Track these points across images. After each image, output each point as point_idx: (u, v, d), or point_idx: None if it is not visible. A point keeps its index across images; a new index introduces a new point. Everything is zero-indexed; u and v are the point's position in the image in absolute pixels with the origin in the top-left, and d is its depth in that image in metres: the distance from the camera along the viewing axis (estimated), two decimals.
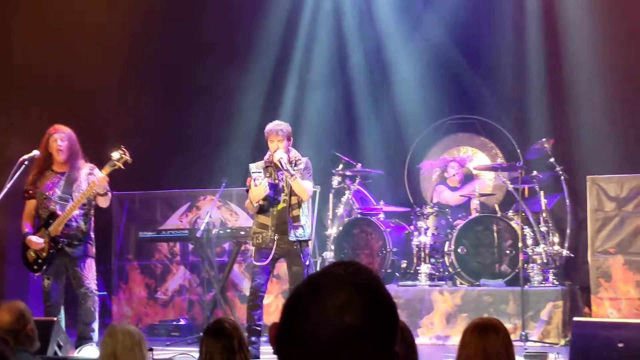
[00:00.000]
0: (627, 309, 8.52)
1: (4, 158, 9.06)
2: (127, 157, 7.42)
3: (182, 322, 9.46)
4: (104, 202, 7.73)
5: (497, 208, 9.67)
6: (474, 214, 9.19)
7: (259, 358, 7.10)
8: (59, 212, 7.58)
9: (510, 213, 9.23)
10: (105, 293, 9.37)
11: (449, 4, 10.48)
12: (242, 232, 8.81)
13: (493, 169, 9.71)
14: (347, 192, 9.65)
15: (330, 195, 9.73)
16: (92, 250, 7.77)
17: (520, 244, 8.53)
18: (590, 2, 9.84)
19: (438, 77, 10.56)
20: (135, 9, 10.72)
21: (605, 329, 6.48)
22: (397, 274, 9.35)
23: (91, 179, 7.63)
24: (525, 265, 8.67)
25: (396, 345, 1.69)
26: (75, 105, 10.44)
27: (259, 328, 7.24)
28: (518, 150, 9.71)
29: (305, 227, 7.43)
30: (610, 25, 9.67)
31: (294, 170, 7.25)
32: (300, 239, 7.35)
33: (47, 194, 7.67)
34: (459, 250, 8.92)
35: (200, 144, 10.92)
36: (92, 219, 7.83)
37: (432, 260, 9.14)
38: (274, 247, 7.29)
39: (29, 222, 7.75)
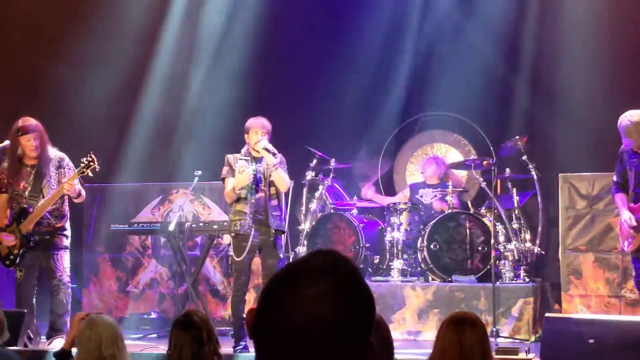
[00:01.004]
0: (596, 305, 8.59)
1: None
2: (95, 164, 7.52)
3: (153, 315, 9.42)
4: (77, 200, 7.80)
5: (469, 205, 9.71)
6: (447, 210, 9.21)
7: (249, 351, 7.13)
8: (30, 209, 7.56)
9: (482, 210, 9.27)
10: (75, 285, 9.29)
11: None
12: (215, 226, 8.78)
13: (466, 165, 9.74)
14: (320, 187, 9.64)
15: (304, 190, 9.71)
16: (67, 242, 7.78)
17: (492, 241, 8.57)
18: (568, 1, 9.87)
19: (413, 73, 10.56)
20: None
21: (576, 325, 6.53)
22: (369, 269, 9.34)
23: (60, 173, 7.65)
24: (497, 261, 8.70)
25: (371, 336, 1.69)
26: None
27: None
28: (491, 148, 9.73)
29: (282, 219, 7.65)
30: (586, 24, 9.70)
31: (275, 159, 7.46)
32: (278, 229, 7.56)
33: (18, 189, 7.65)
34: (431, 246, 8.94)
35: (173, 137, 10.86)
36: (67, 211, 7.81)
37: (405, 256, 9.16)
38: (251, 237, 7.40)
39: (1, 216, 7.69)
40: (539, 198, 9.29)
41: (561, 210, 8.93)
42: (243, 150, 7.62)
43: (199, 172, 8.92)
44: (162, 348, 6.91)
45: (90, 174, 7.58)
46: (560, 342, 6.42)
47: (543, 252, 9.21)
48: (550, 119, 9.94)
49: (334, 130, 10.61)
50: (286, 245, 9.03)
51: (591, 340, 6.31)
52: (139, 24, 10.89)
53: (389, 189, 10.63)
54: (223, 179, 7.63)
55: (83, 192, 7.80)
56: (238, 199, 7.52)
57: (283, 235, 7.80)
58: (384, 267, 9.28)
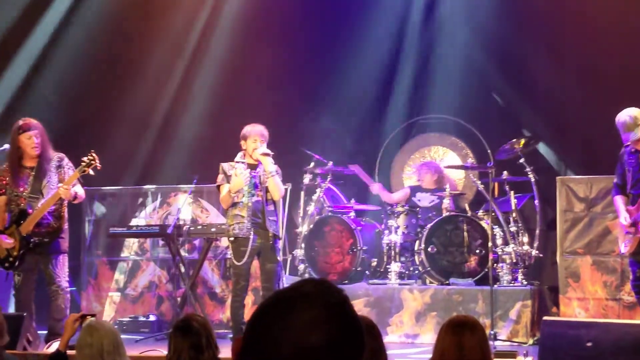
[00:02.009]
0: (594, 309, 8.60)
1: None
2: (97, 163, 7.49)
3: (152, 318, 9.41)
4: (75, 201, 7.81)
5: (467, 208, 9.72)
6: (445, 213, 9.22)
7: None
8: (29, 210, 7.55)
9: (480, 213, 9.27)
10: (74, 288, 9.30)
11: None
12: (213, 229, 8.78)
13: (464, 168, 9.75)
14: (318, 190, 9.66)
15: (302, 193, 9.72)
16: (65, 245, 7.77)
17: (489, 244, 8.58)
18: (561, 5, 9.90)
19: (411, 76, 10.59)
20: None
21: (574, 328, 6.53)
22: (367, 272, 9.36)
23: (60, 172, 7.65)
24: (495, 264, 8.72)
25: None
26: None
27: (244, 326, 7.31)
28: (488, 151, 9.74)
29: (278, 223, 7.74)
30: (581, 27, 9.73)
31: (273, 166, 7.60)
32: (275, 233, 7.65)
33: (17, 191, 7.64)
34: (429, 249, 8.95)
35: (172, 141, 10.89)
36: (65, 213, 7.81)
37: (402, 258, 9.17)
38: (251, 240, 7.51)
39: (0, 218, 7.69)
40: (536, 201, 9.29)
41: (559, 213, 8.93)
42: (238, 156, 7.70)
43: (197, 176, 8.95)
44: (161, 351, 6.92)
45: (91, 173, 7.56)
46: (558, 345, 6.42)
47: (541, 255, 9.19)
48: (547, 122, 9.96)
49: (332, 133, 10.64)
50: (284, 248, 9.03)
51: (589, 344, 6.31)
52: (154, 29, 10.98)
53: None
54: (218, 187, 7.76)
55: (81, 193, 7.78)
56: (234, 204, 7.61)
57: (280, 239, 7.87)
58: (382, 270, 9.29)
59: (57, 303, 7.61)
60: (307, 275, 9.29)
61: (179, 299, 9.13)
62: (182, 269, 8.82)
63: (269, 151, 7.58)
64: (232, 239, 7.62)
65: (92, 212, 10.01)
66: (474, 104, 10.42)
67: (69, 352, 4.93)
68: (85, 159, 7.54)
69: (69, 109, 10.64)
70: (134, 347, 7.83)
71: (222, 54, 10.92)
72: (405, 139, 10.71)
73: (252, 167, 7.66)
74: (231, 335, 7.74)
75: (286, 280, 8.22)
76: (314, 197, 9.63)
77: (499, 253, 8.88)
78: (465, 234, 8.93)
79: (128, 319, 9.48)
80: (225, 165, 7.73)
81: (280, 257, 7.86)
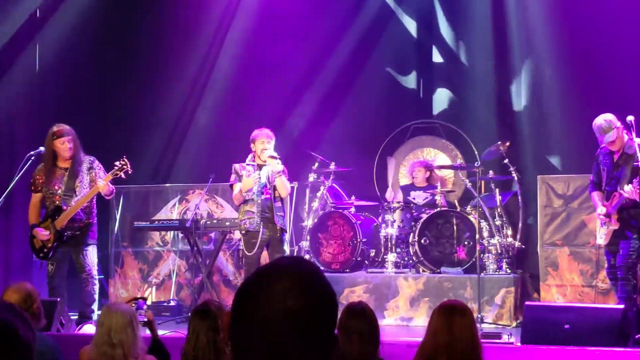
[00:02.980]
0: (571, 294, 8.60)
1: None
2: (128, 167, 7.60)
3: (172, 303, 9.41)
4: (109, 197, 7.88)
5: (456, 203, 9.72)
6: (437, 209, 9.21)
7: None
8: (64, 207, 7.58)
9: (468, 208, 9.27)
10: (102, 277, 9.31)
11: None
12: (227, 223, 8.78)
13: (453, 168, 9.74)
14: (322, 187, 9.67)
15: (307, 191, 9.73)
16: (94, 237, 7.80)
17: (477, 236, 8.57)
18: (542, 5, 9.84)
19: (405, 84, 10.59)
20: None
21: (553, 312, 6.53)
22: (366, 261, 9.36)
23: (91, 173, 7.69)
24: (482, 255, 8.71)
25: (335, 330, 1.72)
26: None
27: None
28: (476, 152, 9.73)
29: (285, 218, 7.83)
30: (559, 29, 9.69)
31: (280, 166, 7.64)
32: (282, 227, 7.72)
33: (53, 189, 7.67)
34: (422, 241, 8.94)
35: (190, 144, 10.92)
36: (95, 209, 7.84)
37: (398, 249, 9.16)
38: (260, 233, 7.57)
39: (36, 213, 7.74)
40: (519, 197, 9.30)
41: (539, 208, 8.93)
42: (248, 158, 7.74)
43: (213, 175, 8.96)
44: (181, 332, 6.92)
45: (122, 176, 7.65)
46: (539, 327, 6.41)
47: (523, 246, 9.20)
48: (530, 125, 9.94)
49: (334, 136, 10.65)
50: (291, 240, 9.03)
51: (567, 326, 6.30)
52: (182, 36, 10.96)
53: (383, 189, 10.62)
54: (231, 185, 7.87)
55: (113, 191, 7.87)
56: (246, 201, 7.71)
57: (287, 232, 7.92)
58: (379, 259, 9.28)
59: (87, 289, 7.64)
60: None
61: (196, 285, 9.15)
62: (199, 259, 8.83)
63: (275, 154, 7.60)
64: (243, 232, 7.69)
65: (118, 208, 10.01)
66: (463, 110, 10.43)
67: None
68: (118, 163, 7.62)
69: (98, 115, 10.64)
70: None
71: (235, 64, 10.92)
72: (400, 142, 10.70)
73: (261, 167, 7.72)
74: None
75: None
76: (318, 194, 9.64)
77: (485, 244, 8.88)
78: (455, 227, 8.93)
79: (151, 304, 9.48)
80: (237, 166, 7.81)
81: (287, 248, 7.91)
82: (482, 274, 8.42)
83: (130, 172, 7.67)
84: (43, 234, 7.57)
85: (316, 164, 9.76)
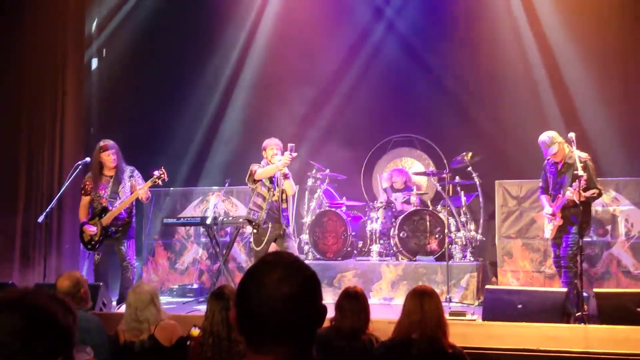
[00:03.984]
0: (524, 279, 8.62)
1: None
2: (165, 176, 7.61)
3: (195, 286, 9.43)
4: (145, 202, 7.90)
5: (429, 203, 9.74)
6: (413, 208, 9.24)
7: None
8: (110, 207, 7.63)
9: (439, 207, 9.28)
10: (138, 264, 9.32)
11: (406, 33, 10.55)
12: (241, 220, 8.78)
13: (426, 175, 9.77)
14: (318, 190, 9.68)
15: (306, 193, 9.75)
16: (133, 233, 7.84)
17: (446, 230, 8.60)
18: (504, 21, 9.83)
19: (387, 102, 10.61)
20: None
21: (508, 294, 6.55)
22: (355, 251, 9.37)
23: (132, 180, 7.74)
24: (450, 245, 8.74)
25: (322, 301, 1.76)
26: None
27: None
28: (445, 161, 9.76)
29: (289, 218, 7.68)
30: (514, 42, 9.70)
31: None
32: (287, 225, 7.58)
33: (100, 193, 7.72)
34: (401, 234, 8.96)
35: (210, 154, 10.95)
36: (134, 209, 7.88)
37: (381, 241, 9.18)
38: (268, 232, 7.44)
39: (85, 213, 7.77)
40: (480, 198, 9.32)
41: (497, 207, 8.96)
42: (262, 163, 7.64)
43: (229, 179, 9.00)
44: (202, 310, 6.95)
45: (160, 184, 7.69)
46: (497, 306, 6.44)
47: (484, 239, 9.22)
48: (488, 137, 9.96)
49: (329, 147, 10.66)
50: (293, 234, 9.03)
51: (520, 306, 6.33)
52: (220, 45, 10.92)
53: (369, 191, 10.67)
54: (253, 171, 7.49)
55: (150, 196, 7.92)
56: (259, 195, 7.48)
57: (289, 226, 7.80)
58: (366, 250, 9.30)
59: (127, 275, 7.66)
60: (310, 254, 9.32)
61: (215, 271, 9.16)
62: (217, 249, 8.84)
63: (283, 160, 7.35)
64: (255, 231, 7.52)
65: (151, 208, 10.03)
66: (435, 126, 10.44)
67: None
68: (156, 172, 7.62)
69: (132, 129, 10.66)
70: (181, 308, 7.86)
71: (250, 87, 10.93)
72: (382, 152, 10.72)
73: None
74: None
75: None
76: (315, 195, 9.66)
77: (453, 237, 8.90)
78: (428, 223, 8.94)
79: (177, 287, 9.51)
80: (255, 165, 7.55)
81: (295, 240, 7.74)
82: (450, 261, 8.45)
83: (166, 181, 7.70)
84: (91, 229, 7.61)
85: (314, 170, 9.78)
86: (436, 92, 10.39)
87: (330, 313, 3.12)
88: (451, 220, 8.94)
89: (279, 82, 10.78)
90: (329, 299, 7.49)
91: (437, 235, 8.89)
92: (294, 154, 7.30)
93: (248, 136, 10.39)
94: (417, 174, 10.08)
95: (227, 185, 9.03)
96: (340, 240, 9.22)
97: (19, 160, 9.49)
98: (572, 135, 7.01)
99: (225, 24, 10.88)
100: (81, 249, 8.30)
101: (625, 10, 9.28)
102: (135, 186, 7.71)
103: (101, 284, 7.05)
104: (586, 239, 7.59)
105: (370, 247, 9.14)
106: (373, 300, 8.45)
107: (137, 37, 10.86)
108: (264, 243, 7.47)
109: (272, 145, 7.57)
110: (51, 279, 7.83)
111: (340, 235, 9.22)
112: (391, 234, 9.12)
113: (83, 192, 7.80)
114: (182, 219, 9.33)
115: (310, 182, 9.76)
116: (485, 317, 6.39)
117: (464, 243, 8.90)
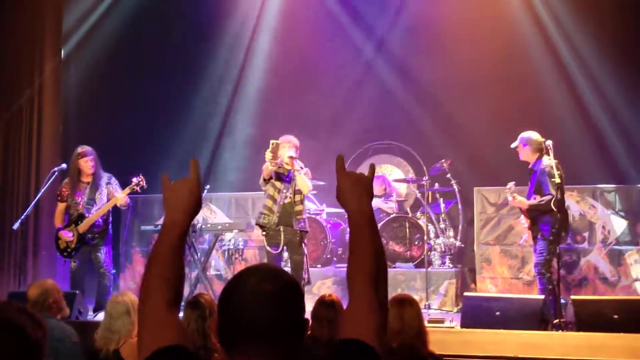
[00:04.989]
0: (502, 285, 8.64)
1: None
2: (143, 183, 7.57)
3: None
4: (123, 207, 7.85)
5: (408, 210, 9.75)
6: (392, 214, 9.24)
7: None
8: (86, 214, 7.57)
9: (418, 214, 9.30)
10: (115, 272, 9.22)
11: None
12: (219, 227, 8.75)
13: (406, 181, 9.79)
14: None
15: None
16: (110, 239, 7.79)
17: (425, 237, 8.61)
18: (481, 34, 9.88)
19: (368, 110, 10.63)
20: None
21: (487, 301, 6.59)
22: (334, 258, 9.36)
23: (109, 187, 7.68)
24: (429, 252, 8.75)
25: (304, 312, 1.79)
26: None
27: None
28: (424, 168, 9.77)
29: (305, 221, 7.21)
30: (493, 50, 9.75)
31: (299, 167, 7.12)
32: (302, 230, 7.15)
33: (77, 199, 7.66)
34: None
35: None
36: (110, 217, 7.83)
37: None
38: (281, 237, 7.05)
39: (61, 219, 7.71)
40: (459, 205, 9.35)
41: (475, 214, 8.97)
42: (278, 162, 7.15)
43: (208, 186, 8.95)
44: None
45: (138, 190, 7.65)
46: (475, 313, 6.46)
47: (462, 245, 9.24)
48: (468, 144, 10.01)
49: (310, 153, 10.63)
50: None
51: (498, 313, 6.36)
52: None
53: None
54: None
55: (130, 202, 7.86)
56: (269, 196, 7.11)
57: (306, 234, 7.24)
58: (345, 256, 9.26)
59: (104, 282, 7.61)
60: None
61: (193, 279, 9.09)
62: (196, 257, 8.78)
63: (293, 155, 7.04)
64: (264, 233, 7.12)
65: (128, 214, 9.94)
66: (415, 133, 10.47)
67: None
68: (135, 179, 7.59)
69: (109, 137, 10.56)
70: None
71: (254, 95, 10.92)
72: (362, 159, 10.72)
73: (285, 170, 7.16)
74: None
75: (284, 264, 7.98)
76: None
77: (432, 244, 8.91)
78: (407, 230, 8.95)
79: None
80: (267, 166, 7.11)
81: (305, 250, 7.17)
82: (429, 268, 8.46)
83: (145, 188, 7.64)
84: (67, 235, 7.54)
85: None
86: (416, 99, 10.42)
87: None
88: (430, 227, 8.96)
89: (262, 89, 10.76)
90: (308, 306, 7.44)
91: (416, 242, 8.90)
92: (291, 154, 6.96)
93: (230, 142, 10.34)
94: (396, 180, 10.09)
95: (205, 192, 8.96)
96: (320, 247, 9.20)
97: None
98: (549, 143, 7.03)
99: (210, 24, 10.88)
100: (58, 256, 8.19)
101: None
102: (112, 193, 7.66)
103: (77, 292, 6.97)
104: (563, 245, 7.61)
105: None
106: None
107: (113, 40, 10.76)
108: (276, 247, 7.04)
109: (284, 142, 7.05)
110: (26, 286, 7.73)
111: (320, 242, 9.20)
112: None
113: (59, 198, 7.74)
114: (159, 226, 9.24)
115: None
116: (464, 324, 6.40)
117: (443, 250, 8.91)
